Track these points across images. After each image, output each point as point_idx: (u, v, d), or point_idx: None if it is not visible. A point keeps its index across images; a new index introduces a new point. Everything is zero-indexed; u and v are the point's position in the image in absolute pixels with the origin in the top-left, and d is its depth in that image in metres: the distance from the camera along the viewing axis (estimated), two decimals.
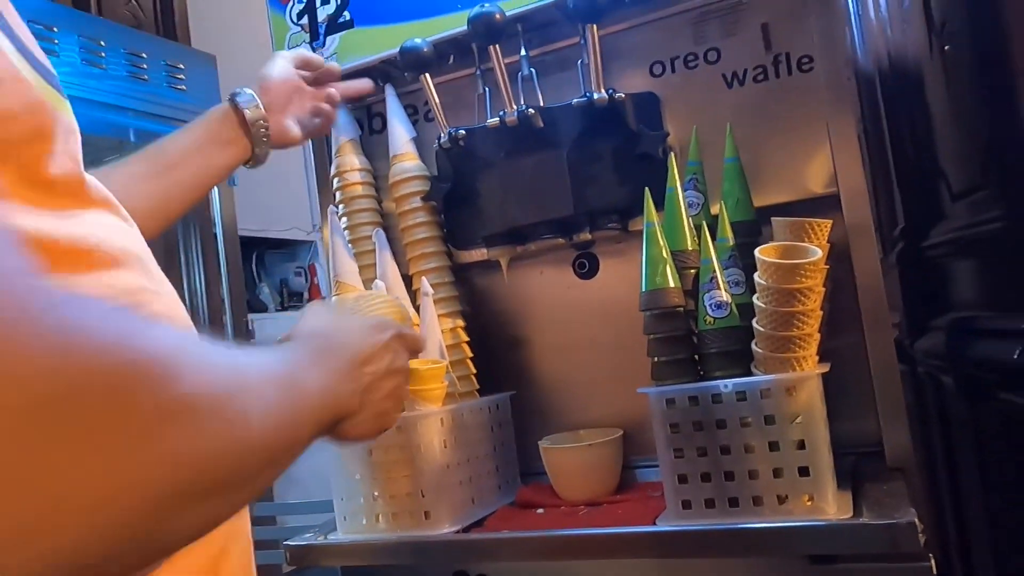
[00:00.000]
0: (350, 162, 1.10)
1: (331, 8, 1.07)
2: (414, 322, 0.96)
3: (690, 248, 0.86)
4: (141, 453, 0.28)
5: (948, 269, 1.27)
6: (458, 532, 0.90)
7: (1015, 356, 0.97)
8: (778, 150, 0.95)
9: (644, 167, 0.94)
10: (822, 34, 0.87)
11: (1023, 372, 0.94)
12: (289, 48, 1.11)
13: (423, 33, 1.02)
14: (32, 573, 0.25)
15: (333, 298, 1.00)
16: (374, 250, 1.05)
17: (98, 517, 0.27)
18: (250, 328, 2.32)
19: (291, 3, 1.10)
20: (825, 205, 0.90)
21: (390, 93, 1.09)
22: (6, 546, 0.24)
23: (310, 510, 1.59)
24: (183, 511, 0.30)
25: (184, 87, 2.08)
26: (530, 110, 0.93)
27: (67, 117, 0.45)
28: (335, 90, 0.98)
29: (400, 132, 1.07)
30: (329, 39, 1.07)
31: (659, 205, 0.85)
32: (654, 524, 0.81)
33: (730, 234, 0.86)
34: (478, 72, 1.04)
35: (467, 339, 1.06)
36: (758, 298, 0.77)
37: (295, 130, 0.92)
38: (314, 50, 1.07)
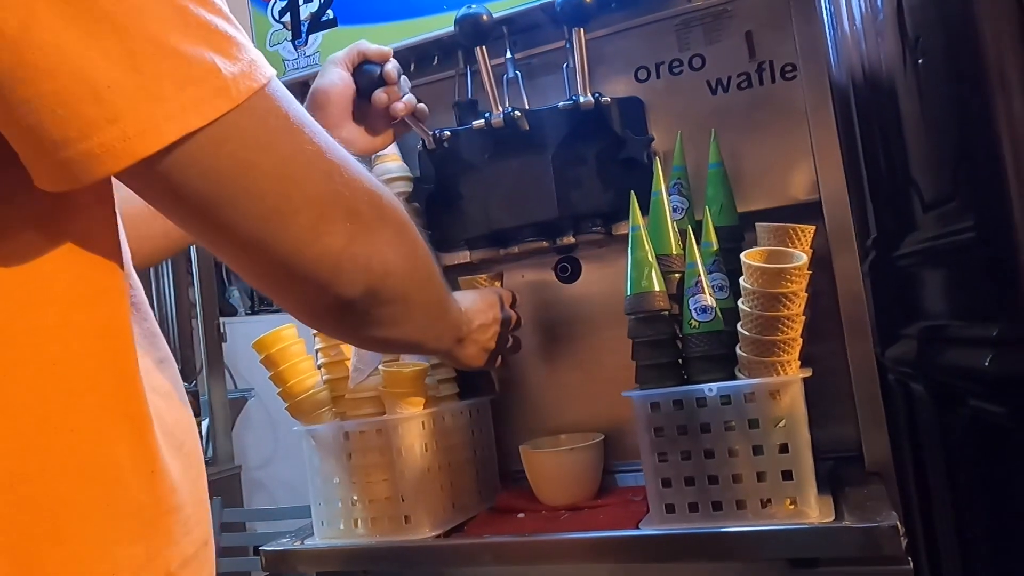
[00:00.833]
0: None
1: (314, 6, 1.06)
2: None
3: (675, 252, 0.86)
4: (415, 240, 0.57)
5: (919, 278, 1.29)
6: (439, 537, 0.89)
7: (985, 363, 0.99)
8: (761, 156, 0.96)
9: (628, 172, 0.95)
10: (804, 42, 0.88)
11: (992, 380, 0.96)
12: (271, 47, 1.09)
13: (408, 33, 1.02)
14: (355, 284, 0.50)
15: None
16: None
17: (395, 259, 0.53)
18: (221, 331, 2.28)
19: (273, 0, 1.09)
20: (807, 212, 0.91)
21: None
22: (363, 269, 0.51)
23: (281, 516, 1.56)
24: (420, 274, 0.59)
25: None
26: (516, 112, 0.93)
27: None
28: (401, 106, 0.90)
29: None
30: (311, 37, 1.06)
31: (644, 209, 0.85)
32: (637, 528, 0.81)
33: (714, 239, 0.86)
34: (466, 71, 1.03)
35: None
36: (743, 302, 0.78)
37: (355, 146, 0.89)
38: (296, 48, 1.06)
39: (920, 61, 1.17)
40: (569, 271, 1.07)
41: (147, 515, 0.44)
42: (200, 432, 2.27)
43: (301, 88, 1.11)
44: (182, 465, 0.48)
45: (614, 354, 1.02)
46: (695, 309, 0.81)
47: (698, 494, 0.79)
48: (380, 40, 1.02)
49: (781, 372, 0.77)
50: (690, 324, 0.81)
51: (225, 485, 2.07)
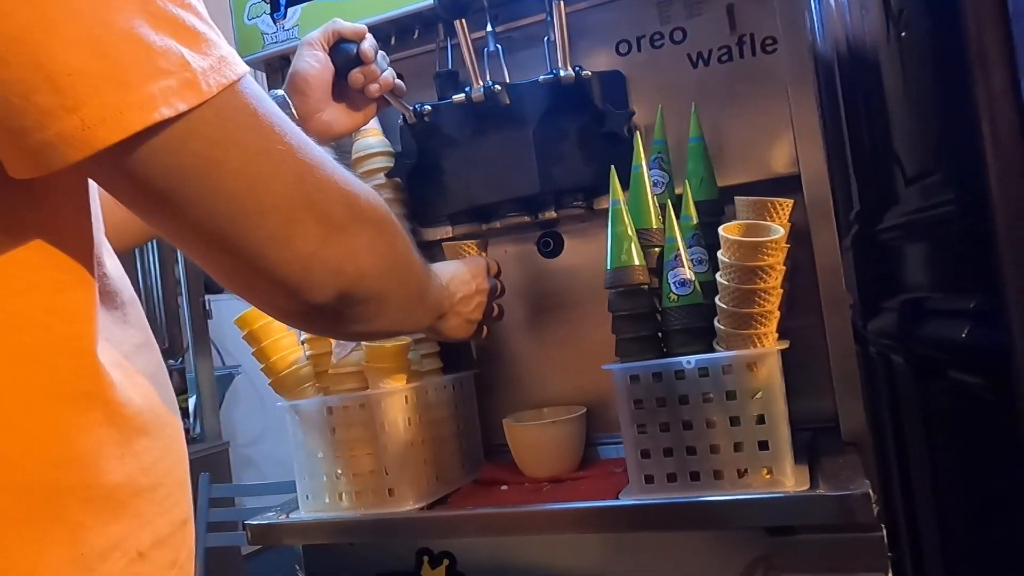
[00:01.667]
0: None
1: None
2: None
3: (655, 226, 0.86)
4: (394, 237, 0.57)
5: (900, 252, 1.30)
6: (422, 509, 0.90)
7: (963, 335, 1.00)
8: (742, 130, 0.96)
9: (609, 146, 0.95)
10: (785, 16, 0.88)
11: (971, 351, 0.97)
12: (249, 21, 1.08)
13: (388, 6, 1.01)
14: (326, 288, 0.50)
15: None
16: None
17: (371, 259, 0.53)
18: (207, 308, 2.28)
19: None
20: (787, 186, 0.91)
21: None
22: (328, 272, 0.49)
23: (269, 491, 1.57)
24: (398, 271, 0.60)
25: None
26: (496, 87, 0.93)
27: None
28: (376, 86, 0.89)
29: None
30: (290, 11, 1.04)
31: (624, 184, 0.86)
32: (617, 499, 0.82)
33: (694, 213, 0.86)
34: (447, 44, 1.02)
35: None
36: (721, 275, 0.78)
37: (337, 127, 0.88)
38: (274, 22, 1.05)
39: (903, 35, 1.17)
40: (552, 246, 1.08)
41: (118, 496, 0.44)
42: (188, 409, 2.29)
43: (281, 63, 1.11)
44: (160, 446, 0.48)
45: (597, 328, 1.02)
46: (674, 283, 0.82)
47: (676, 464, 0.80)
48: (360, 13, 1.01)
49: (758, 344, 0.78)
50: (669, 298, 0.82)
51: (213, 461, 2.08)
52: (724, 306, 0.78)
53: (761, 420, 0.78)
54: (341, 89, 0.89)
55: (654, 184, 0.91)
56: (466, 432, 1.06)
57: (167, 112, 0.38)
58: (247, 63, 1.10)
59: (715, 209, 0.92)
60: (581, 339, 1.08)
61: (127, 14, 0.37)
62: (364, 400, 0.91)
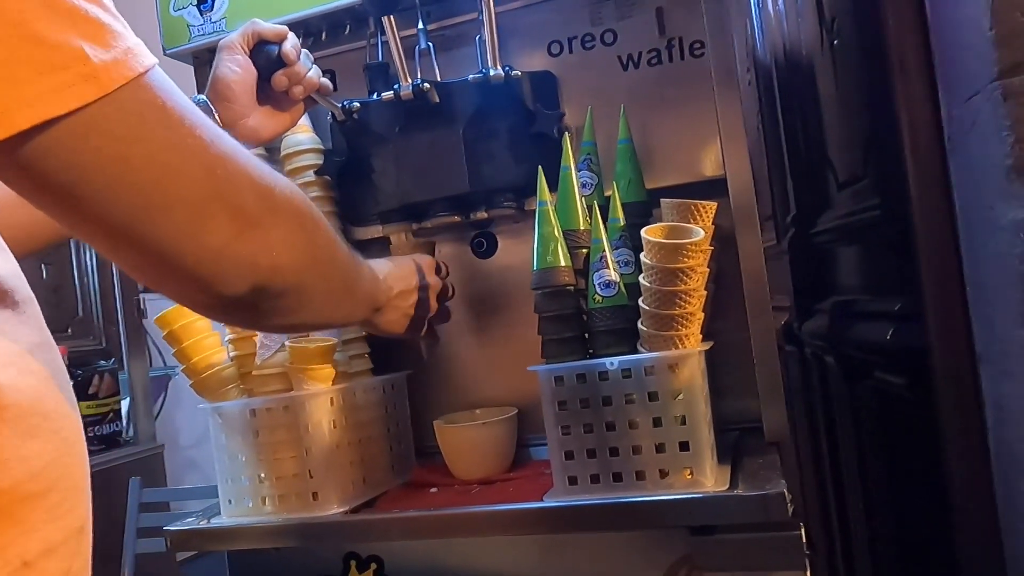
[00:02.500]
0: None
1: None
2: None
3: (582, 228, 0.86)
4: (314, 230, 0.57)
5: (833, 255, 1.33)
6: (347, 513, 0.89)
7: (887, 337, 1.02)
8: (670, 133, 0.96)
9: (540, 146, 0.94)
10: (712, 20, 0.88)
11: (894, 353, 1.00)
12: (175, 12, 1.05)
13: (318, 1, 0.99)
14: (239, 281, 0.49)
15: None
16: None
17: (288, 253, 0.52)
18: (142, 307, 2.22)
19: None
20: (716, 188, 0.92)
21: None
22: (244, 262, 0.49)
23: (202, 495, 1.53)
24: (319, 265, 0.59)
25: None
26: (425, 85, 0.92)
27: None
28: (300, 88, 0.87)
29: None
30: (218, 2, 1.02)
31: (553, 185, 0.85)
32: (542, 500, 0.82)
33: (621, 214, 0.87)
34: (377, 40, 1.01)
35: None
36: (643, 277, 0.79)
37: (265, 131, 0.87)
38: (201, 13, 1.02)
39: (835, 42, 1.20)
40: (485, 246, 1.07)
41: None
42: (120, 412, 2.22)
43: (208, 56, 1.08)
44: (52, 449, 0.46)
45: (531, 328, 1.01)
46: (599, 284, 0.82)
47: (599, 466, 0.80)
48: (290, 7, 0.99)
49: (680, 346, 0.78)
50: (594, 299, 0.82)
51: (147, 465, 2.03)
52: (646, 307, 0.78)
53: (683, 421, 0.78)
54: (265, 91, 0.87)
55: (583, 185, 0.91)
56: (397, 434, 1.05)
57: (61, 109, 0.38)
58: (173, 55, 1.08)
59: (643, 211, 0.93)
60: (516, 340, 1.07)
61: (23, 8, 0.36)
62: (288, 402, 0.89)
